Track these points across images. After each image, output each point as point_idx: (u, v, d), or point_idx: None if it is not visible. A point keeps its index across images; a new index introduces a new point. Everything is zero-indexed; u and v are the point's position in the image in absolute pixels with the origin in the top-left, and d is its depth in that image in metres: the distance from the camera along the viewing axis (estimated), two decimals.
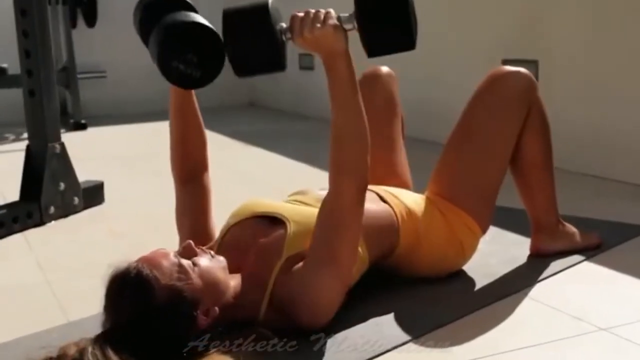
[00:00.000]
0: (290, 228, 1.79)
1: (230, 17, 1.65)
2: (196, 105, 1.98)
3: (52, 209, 2.95)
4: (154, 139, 5.31)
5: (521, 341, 1.71)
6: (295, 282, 1.71)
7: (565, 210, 2.33)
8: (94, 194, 3.19)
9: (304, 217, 1.83)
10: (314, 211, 1.85)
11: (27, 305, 2.09)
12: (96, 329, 1.51)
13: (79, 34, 6.05)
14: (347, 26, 1.65)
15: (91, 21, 6.12)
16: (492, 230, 2.20)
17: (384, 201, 2.01)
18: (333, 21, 1.64)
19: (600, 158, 3.34)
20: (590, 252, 2.25)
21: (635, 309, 1.87)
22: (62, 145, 3.05)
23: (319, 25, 1.63)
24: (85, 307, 1.99)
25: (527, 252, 2.26)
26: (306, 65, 5.89)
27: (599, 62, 3.36)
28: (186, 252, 1.65)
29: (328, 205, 1.73)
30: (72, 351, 1.48)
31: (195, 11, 1.76)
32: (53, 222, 2.96)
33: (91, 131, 5.52)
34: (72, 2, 5.90)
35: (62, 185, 3.00)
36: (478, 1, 4.12)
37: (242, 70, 1.67)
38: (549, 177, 2.20)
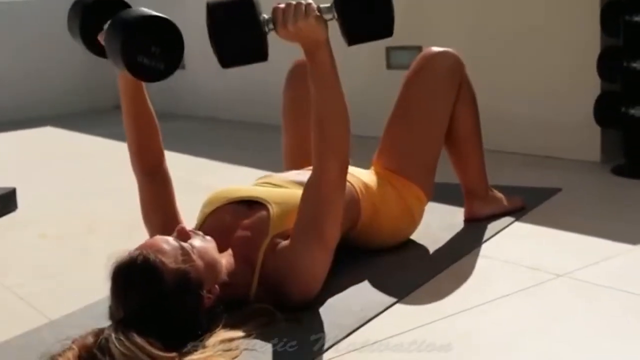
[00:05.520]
0: (273, 209, 1.87)
1: (215, 9, 1.68)
2: (146, 95, 2.01)
3: None
4: (26, 146, 5.19)
5: (492, 294, 1.87)
6: (283, 257, 1.79)
7: None
8: (6, 201, 3.11)
9: (282, 198, 1.92)
10: (289, 191, 1.96)
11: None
12: (83, 322, 1.53)
13: None
14: (327, 16, 1.73)
15: None
16: None
17: None
18: (315, 13, 1.72)
19: (492, 134, 3.59)
20: (517, 213, 2.47)
21: (579, 256, 2.08)
22: None
23: (302, 17, 1.70)
24: (58, 305, 2.00)
25: (462, 219, 2.45)
26: None
27: (482, 46, 3.60)
28: (181, 236, 1.71)
29: (314, 183, 1.81)
30: (92, 341, 1.51)
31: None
32: None
33: None
34: None
35: None
36: None
37: (227, 61, 1.71)
38: (479, 147, 2.40)
